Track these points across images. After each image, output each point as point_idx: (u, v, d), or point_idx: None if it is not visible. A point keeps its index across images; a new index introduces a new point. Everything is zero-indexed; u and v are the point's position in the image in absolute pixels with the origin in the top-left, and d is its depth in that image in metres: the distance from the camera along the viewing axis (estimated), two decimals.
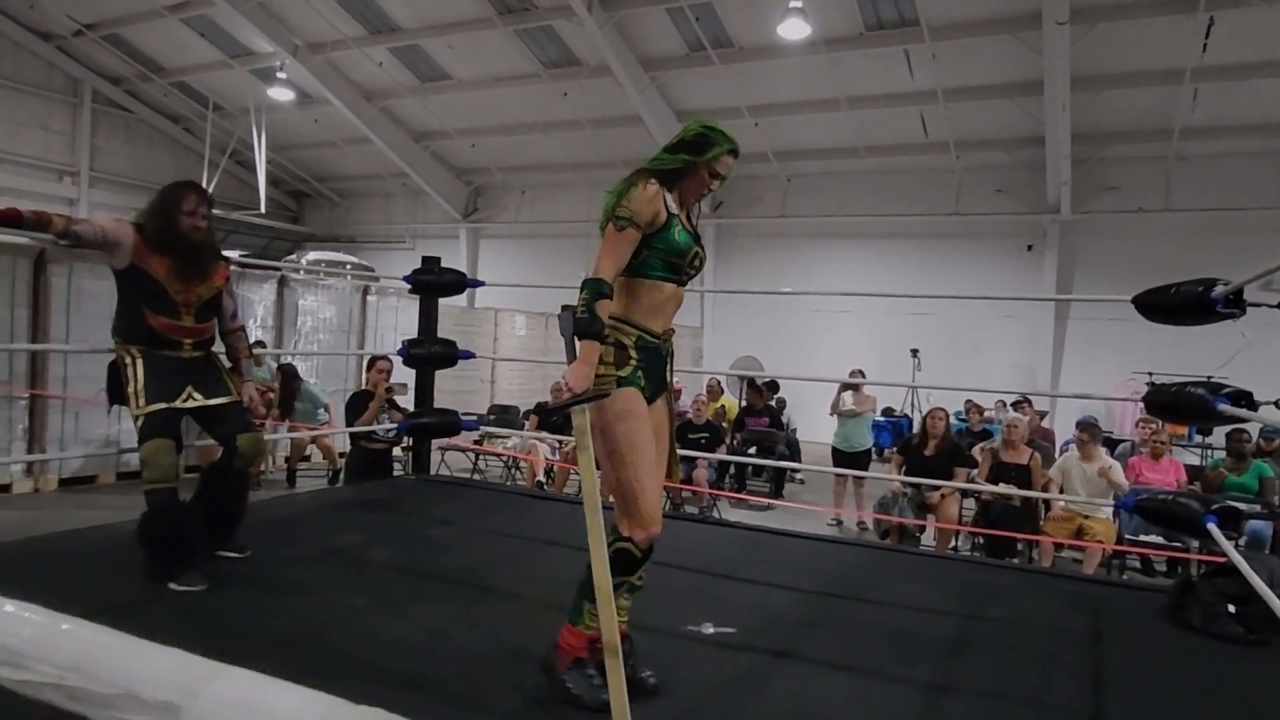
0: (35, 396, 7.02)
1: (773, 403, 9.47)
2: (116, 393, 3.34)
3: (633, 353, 2.31)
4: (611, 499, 2.34)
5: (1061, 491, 5.88)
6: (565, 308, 2.25)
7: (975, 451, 7.02)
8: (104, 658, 0.66)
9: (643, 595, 3.26)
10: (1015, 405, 8.82)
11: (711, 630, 2.87)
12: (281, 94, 14.85)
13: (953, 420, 7.75)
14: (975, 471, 6.39)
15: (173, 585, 3.00)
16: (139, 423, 3.17)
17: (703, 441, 7.79)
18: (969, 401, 9.50)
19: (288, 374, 7.97)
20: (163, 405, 3.17)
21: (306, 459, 8.34)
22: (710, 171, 2.38)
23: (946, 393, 10.64)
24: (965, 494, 6.28)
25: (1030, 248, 13.07)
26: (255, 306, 8.79)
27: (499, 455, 8.39)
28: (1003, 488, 5.76)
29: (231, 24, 13.76)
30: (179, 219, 3.27)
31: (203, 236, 3.35)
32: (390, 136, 15.79)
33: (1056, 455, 7.63)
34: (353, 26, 13.18)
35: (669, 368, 2.46)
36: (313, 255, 15.37)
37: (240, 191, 17.55)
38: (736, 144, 2.37)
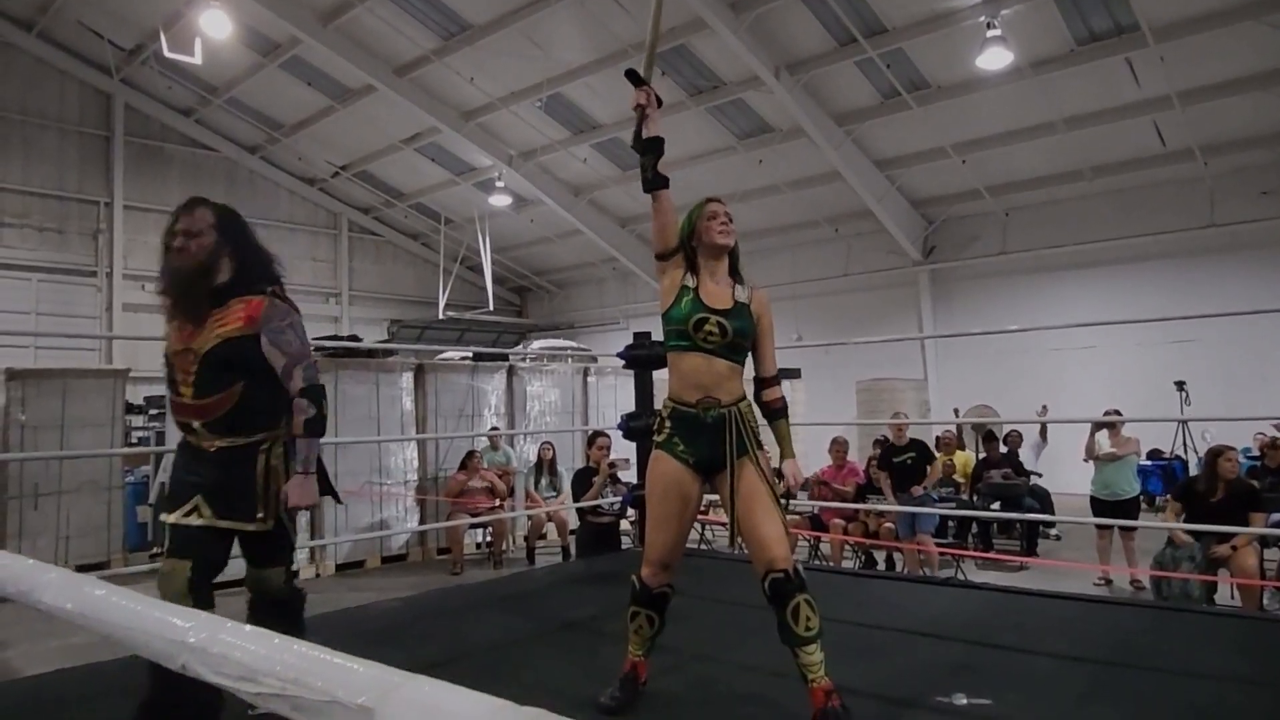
0: (308, 474, 7.92)
1: (1021, 452, 8.74)
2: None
3: (667, 422, 2.61)
4: (741, 543, 2.57)
5: None
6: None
7: None
8: (316, 669, 0.76)
9: (884, 663, 3.05)
10: None
11: (965, 702, 2.60)
12: (501, 200, 16.22)
13: (1241, 458, 6.71)
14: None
15: None
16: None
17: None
18: (1261, 435, 8.20)
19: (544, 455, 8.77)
20: (167, 516, 2.47)
21: (543, 536, 8.72)
22: (708, 219, 2.64)
23: (1227, 427, 9.28)
24: (1265, 543, 5.34)
25: None
26: (489, 395, 9.47)
27: (722, 524, 8.32)
28: None
29: (456, 147, 15.37)
30: (164, 253, 2.48)
31: (188, 261, 2.42)
32: (598, 225, 16.70)
33: None
34: (558, 131, 14.23)
35: (734, 434, 2.54)
36: (537, 344, 16.40)
37: (472, 293, 19.23)
38: (706, 199, 2.70)
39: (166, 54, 12.44)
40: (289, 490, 2.47)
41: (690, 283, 2.61)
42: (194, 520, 2.41)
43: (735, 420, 2.55)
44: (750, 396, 2.69)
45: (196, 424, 2.43)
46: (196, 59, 12.55)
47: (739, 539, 2.57)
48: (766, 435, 2.67)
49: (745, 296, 2.64)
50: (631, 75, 2.65)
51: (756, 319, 2.64)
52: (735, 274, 2.70)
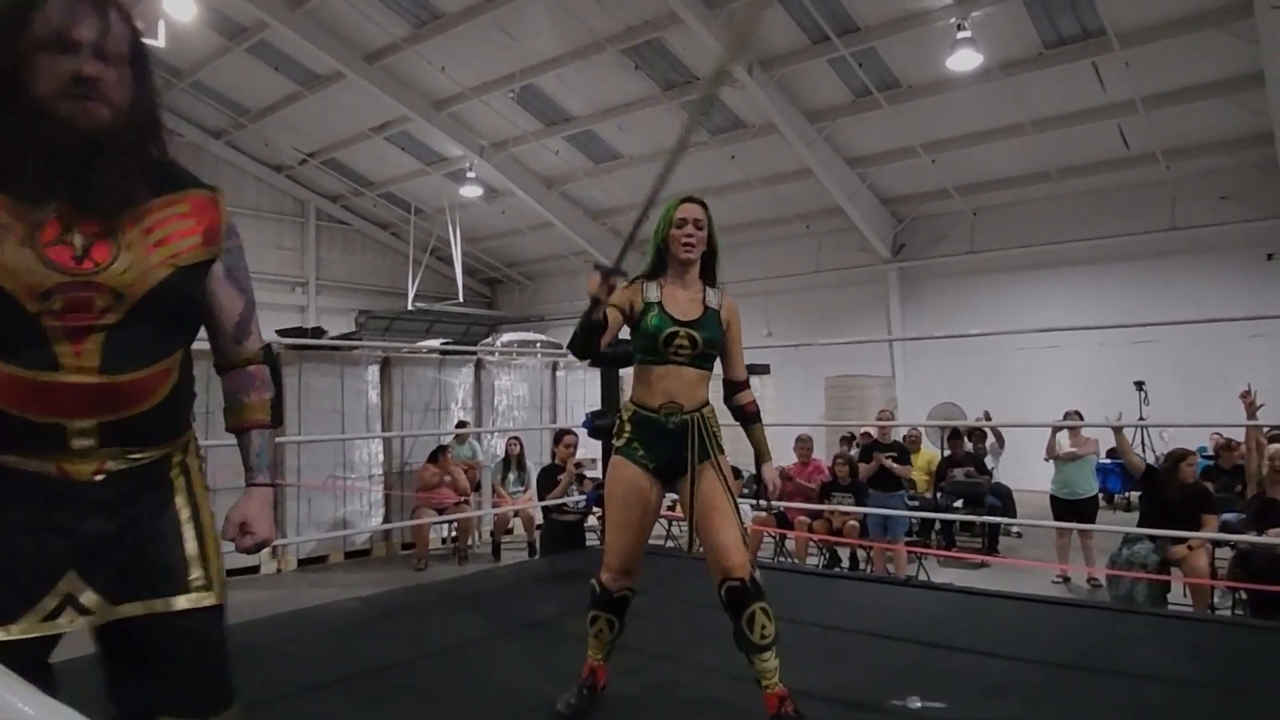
0: (275, 485, 7.81)
1: (986, 450, 8.87)
2: None
3: (627, 425, 2.56)
4: (700, 548, 2.53)
5: None
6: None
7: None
8: None
9: (841, 665, 3.06)
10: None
11: (918, 705, 2.63)
12: (471, 191, 16.07)
13: (1198, 458, 6.84)
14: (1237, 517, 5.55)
15: None
16: None
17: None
18: (1217, 436, 8.38)
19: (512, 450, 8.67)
20: None
21: (509, 531, 8.69)
22: (676, 227, 2.55)
23: (1184, 429, 9.48)
24: (1217, 543, 5.45)
25: (1270, 256, 11.52)
26: (456, 389, 9.38)
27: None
28: (1271, 535, 4.95)
29: (426, 136, 15.20)
30: (34, 66, 1.24)
31: (103, 115, 1.27)
32: (570, 218, 16.62)
33: None
34: (530, 122, 14.13)
35: (696, 440, 2.50)
36: (507, 337, 16.29)
37: (441, 284, 19.07)
38: (683, 197, 2.58)
39: None
40: (248, 515, 1.45)
41: (653, 296, 2.55)
42: (62, 624, 1.28)
43: (698, 426, 2.53)
44: (722, 400, 2.68)
45: (80, 426, 1.27)
46: (160, 41, 12.24)
47: (697, 544, 2.56)
48: (727, 437, 2.67)
49: (716, 302, 2.58)
50: (603, 269, 2.28)
51: (726, 326, 2.60)
52: (709, 274, 2.64)
